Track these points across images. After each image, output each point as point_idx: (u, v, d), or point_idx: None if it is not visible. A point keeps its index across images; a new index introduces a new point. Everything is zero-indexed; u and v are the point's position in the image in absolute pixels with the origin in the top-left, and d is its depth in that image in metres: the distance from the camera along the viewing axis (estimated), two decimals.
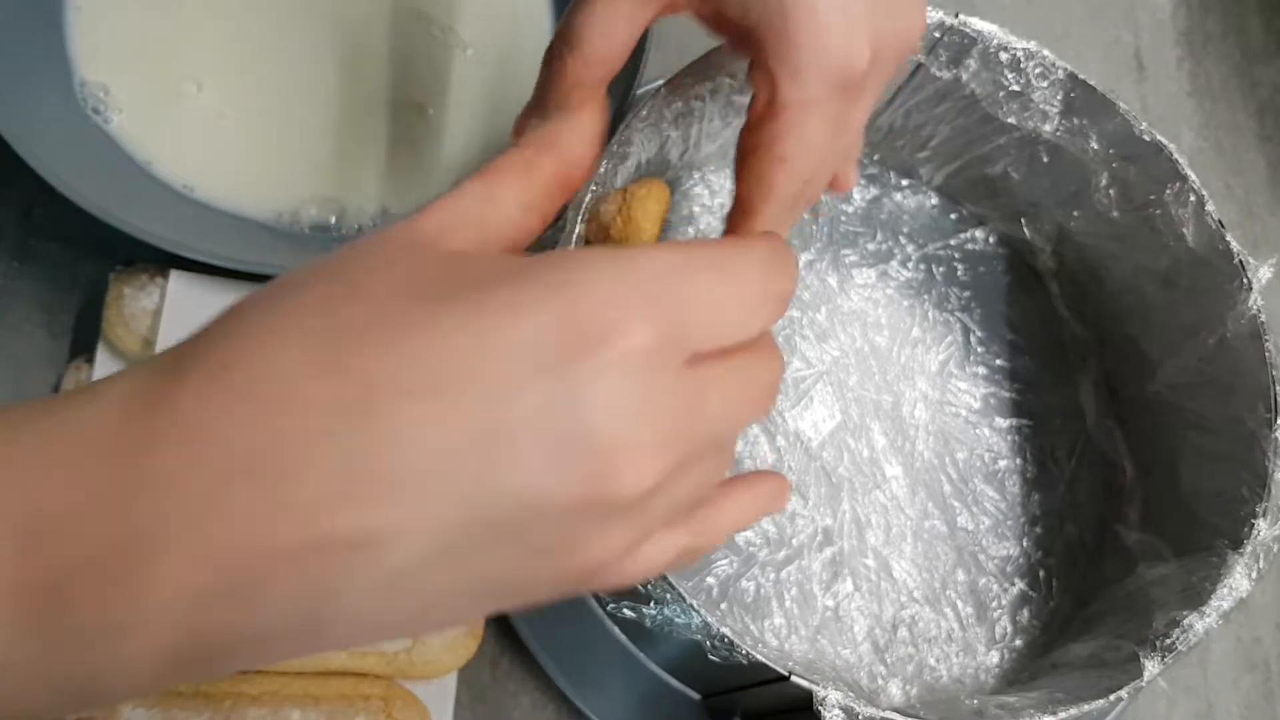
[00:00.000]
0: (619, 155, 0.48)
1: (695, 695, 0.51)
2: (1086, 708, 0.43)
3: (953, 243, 0.63)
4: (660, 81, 0.49)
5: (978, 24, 0.52)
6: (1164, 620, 0.46)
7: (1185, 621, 0.45)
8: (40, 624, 0.23)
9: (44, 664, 0.23)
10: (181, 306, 0.49)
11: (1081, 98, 0.53)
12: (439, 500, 0.24)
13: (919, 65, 0.55)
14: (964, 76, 0.54)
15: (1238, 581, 0.46)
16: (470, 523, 0.24)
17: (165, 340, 0.48)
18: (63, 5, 0.54)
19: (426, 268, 0.26)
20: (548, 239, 0.46)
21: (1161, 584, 0.50)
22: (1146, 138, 0.53)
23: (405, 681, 0.47)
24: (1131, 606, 0.51)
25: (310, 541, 0.23)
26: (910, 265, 0.62)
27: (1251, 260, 0.51)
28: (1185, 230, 0.52)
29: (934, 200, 0.64)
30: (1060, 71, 0.53)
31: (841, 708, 0.40)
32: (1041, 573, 0.57)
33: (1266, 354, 0.50)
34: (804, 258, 0.60)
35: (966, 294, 0.62)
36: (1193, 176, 0.52)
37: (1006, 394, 0.60)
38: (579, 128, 0.33)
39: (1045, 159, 0.57)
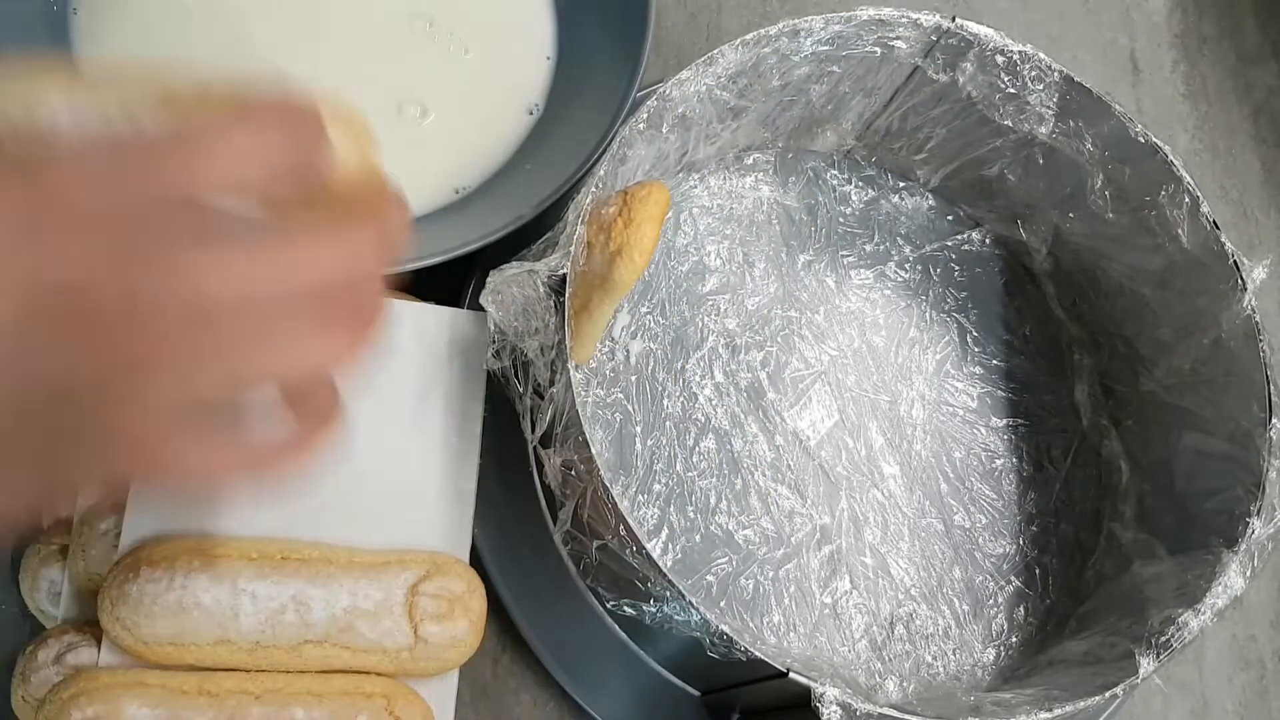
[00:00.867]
0: (619, 157, 0.48)
1: (694, 692, 0.51)
2: (1082, 704, 0.43)
3: (949, 244, 0.63)
4: (659, 85, 0.50)
5: (974, 27, 0.53)
6: (1159, 618, 0.46)
7: (1180, 619, 0.45)
8: None
9: None
10: None
11: (1077, 100, 0.54)
12: None
13: (916, 68, 0.55)
14: (960, 79, 0.55)
15: (1232, 580, 0.46)
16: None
17: None
18: (65, 9, 0.54)
19: None
20: (550, 237, 0.47)
21: (1157, 582, 0.51)
22: (1142, 139, 0.53)
23: (407, 679, 0.47)
24: (1127, 604, 0.51)
25: None
26: (907, 266, 0.62)
27: (1246, 261, 0.51)
28: (1180, 231, 0.53)
29: (931, 202, 0.64)
30: (1056, 74, 0.53)
31: (839, 704, 0.40)
32: (1037, 570, 0.57)
33: (1261, 354, 0.50)
34: (802, 259, 0.61)
35: (963, 295, 0.62)
36: (1187, 178, 0.52)
37: (1003, 393, 0.61)
38: None
39: (1041, 161, 0.58)
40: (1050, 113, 0.55)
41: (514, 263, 0.45)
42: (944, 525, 0.57)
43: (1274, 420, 0.49)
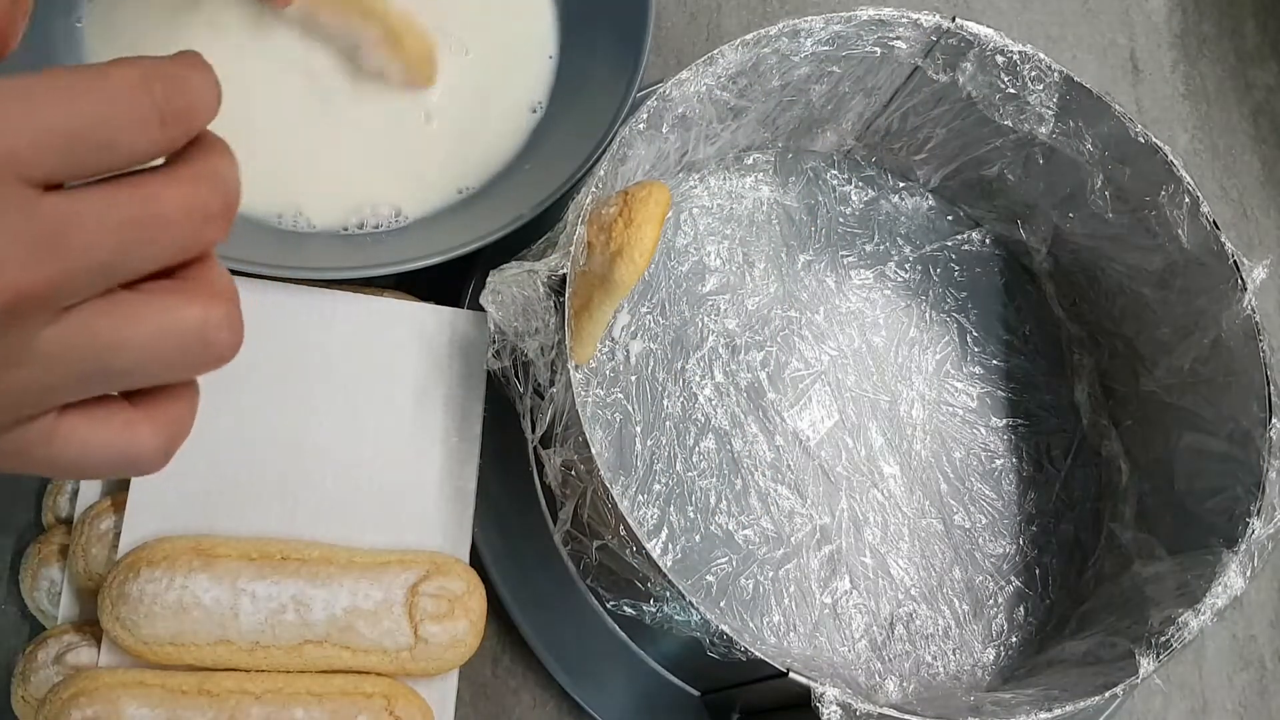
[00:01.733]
0: (619, 157, 0.48)
1: (694, 692, 0.51)
2: (1082, 704, 0.43)
3: (949, 244, 0.63)
4: (659, 85, 0.50)
5: (974, 27, 0.53)
6: (1159, 618, 0.46)
7: (1180, 619, 0.45)
8: None
9: None
10: None
11: (1077, 100, 0.54)
12: None
13: (916, 68, 0.55)
14: (960, 79, 0.55)
15: (1232, 579, 0.46)
16: None
17: None
18: (68, 18, 0.54)
19: None
20: (550, 237, 0.47)
21: (1156, 582, 0.51)
22: (1141, 139, 0.53)
23: (407, 679, 0.47)
24: (1127, 604, 0.51)
25: None
26: (907, 266, 0.62)
27: (1246, 261, 0.51)
28: (1180, 231, 0.53)
29: (930, 202, 0.64)
30: (1056, 74, 0.53)
31: (839, 704, 0.40)
32: (1037, 570, 0.57)
33: (1261, 354, 0.50)
34: (802, 259, 0.61)
35: (963, 295, 0.62)
36: (1187, 178, 0.52)
37: (1002, 393, 0.61)
38: None
39: (1041, 161, 0.58)
40: (1050, 113, 0.55)
41: (514, 263, 0.45)
42: (944, 525, 0.57)
43: (1274, 420, 0.49)
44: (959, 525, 0.57)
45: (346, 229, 0.55)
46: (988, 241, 0.64)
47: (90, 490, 0.49)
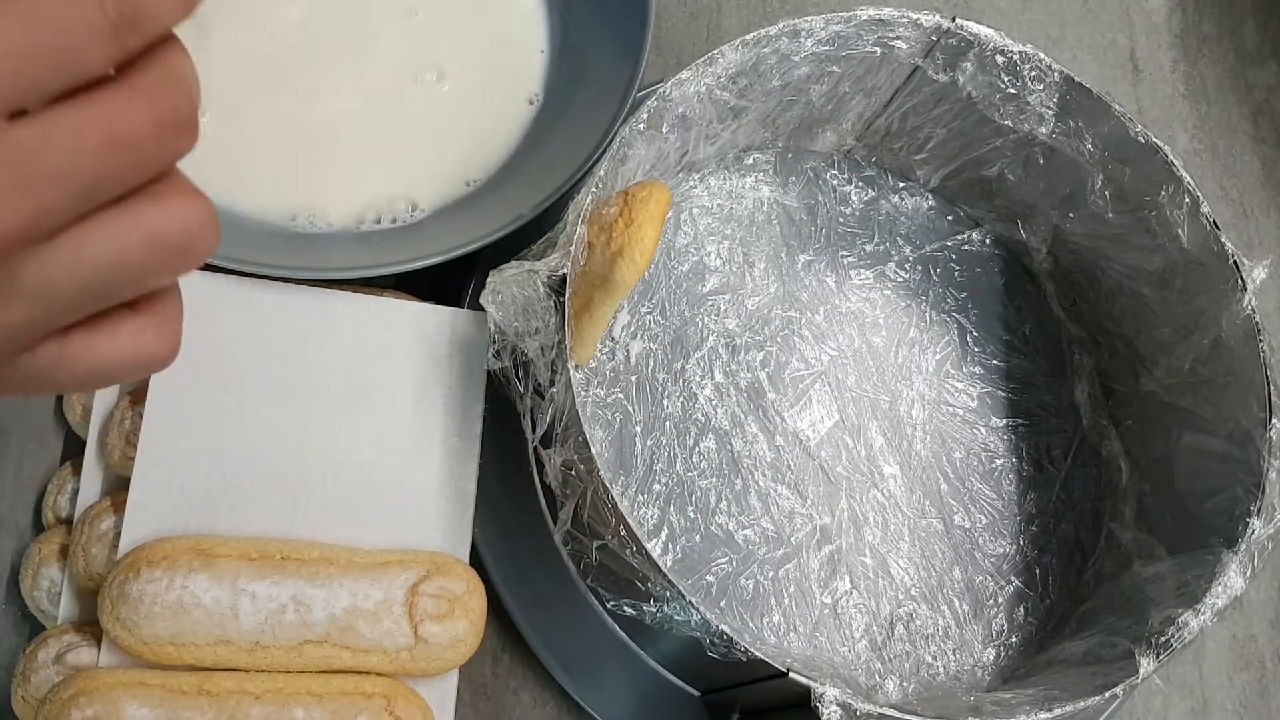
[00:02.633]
0: (619, 157, 0.48)
1: (694, 692, 0.51)
2: (1082, 704, 0.43)
3: (949, 244, 0.63)
4: (659, 85, 0.50)
5: (974, 27, 0.53)
6: (1159, 618, 0.46)
7: (1180, 619, 0.45)
8: None
9: None
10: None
11: (1077, 100, 0.54)
12: None
13: (916, 68, 0.55)
14: (960, 79, 0.55)
15: (1232, 580, 0.46)
16: None
17: None
18: None
19: None
20: (550, 237, 0.47)
21: (1157, 582, 0.51)
22: (1141, 139, 0.53)
23: (407, 679, 0.47)
24: (1127, 604, 0.51)
25: None
26: (907, 266, 0.62)
27: (1246, 261, 0.51)
28: (1180, 231, 0.53)
29: (931, 202, 0.64)
30: (1056, 74, 0.53)
31: (839, 704, 0.40)
32: (1037, 570, 0.57)
33: (1261, 354, 0.50)
34: (802, 259, 0.61)
35: (963, 295, 0.62)
36: (1187, 178, 0.52)
37: (1003, 393, 0.61)
38: None
39: (1041, 161, 0.58)
40: (1050, 113, 0.55)
41: (514, 263, 0.45)
42: (944, 525, 0.57)
43: (1274, 420, 0.49)
44: (959, 525, 0.57)
45: (363, 225, 0.55)
46: (988, 241, 0.64)
47: (90, 490, 0.49)
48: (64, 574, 0.48)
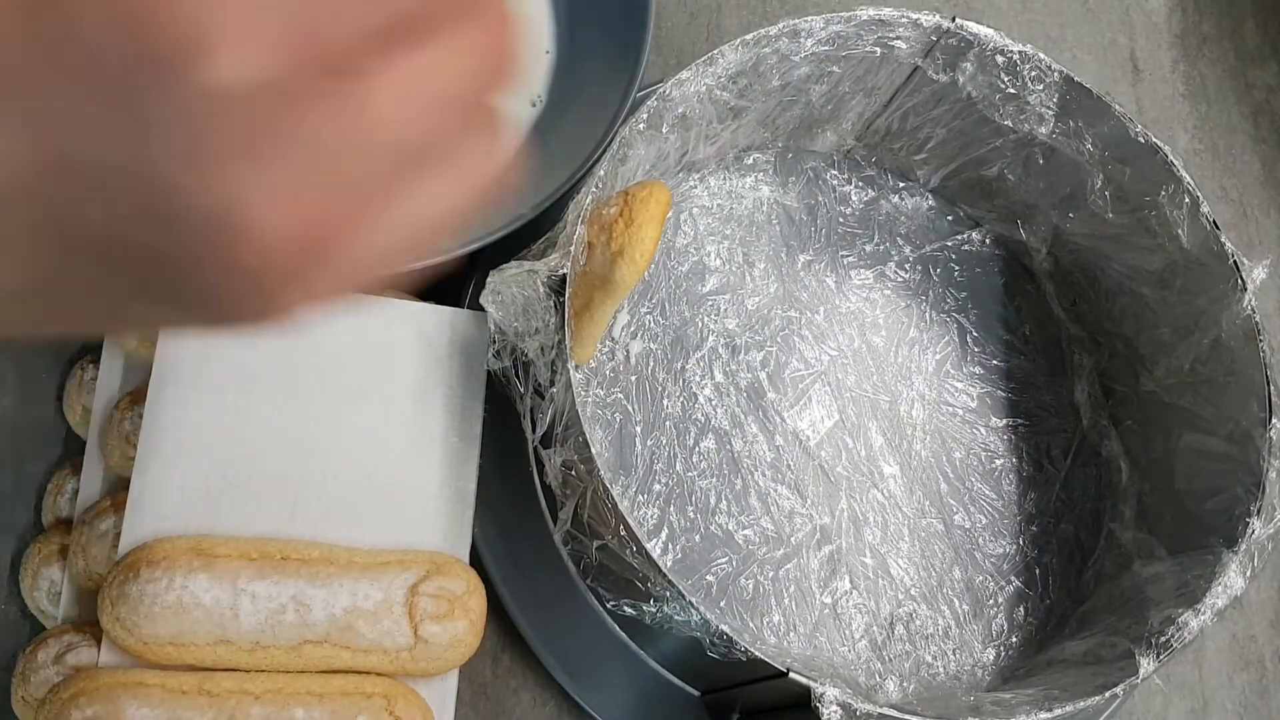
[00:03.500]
0: (619, 157, 0.48)
1: (694, 692, 0.51)
2: (1082, 704, 0.43)
3: (949, 244, 0.63)
4: (659, 85, 0.50)
5: (974, 28, 0.53)
6: (1159, 618, 0.46)
7: (1180, 619, 0.45)
8: None
9: None
10: None
11: (1077, 100, 0.54)
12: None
13: (916, 68, 0.55)
14: (960, 79, 0.55)
15: (1232, 579, 0.46)
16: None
17: (165, 338, 0.48)
18: None
19: None
20: (550, 237, 0.47)
21: (1156, 582, 0.51)
22: (1141, 140, 0.53)
23: (407, 679, 0.47)
24: (1127, 604, 0.51)
25: None
26: (907, 266, 0.62)
27: (1246, 261, 0.51)
28: (1180, 231, 0.53)
29: (930, 202, 0.64)
30: (1056, 74, 0.53)
31: (839, 704, 0.40)
32: (1037, 570, 0.57)
33: (1261, 354, 0.50)
34: (802, 259, 0.61)
35: (963, 295, 0.62)
36: (1187, 178, 0.52)
37: (1002, 393, 0.61)
38: None
39: (1041, 161, 0.58)
40: (1050, 113, 0.55)
41: (514, 263, 0.45)
42: (944, 525, 0.57)
43: (1274, 420, 0.49)
44: (959, 525, 0.57)
45: None
46: (988, 241, 0.64)
47: (90, 490, 0.49)
48: (64, 574, 0.48)
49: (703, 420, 0.56)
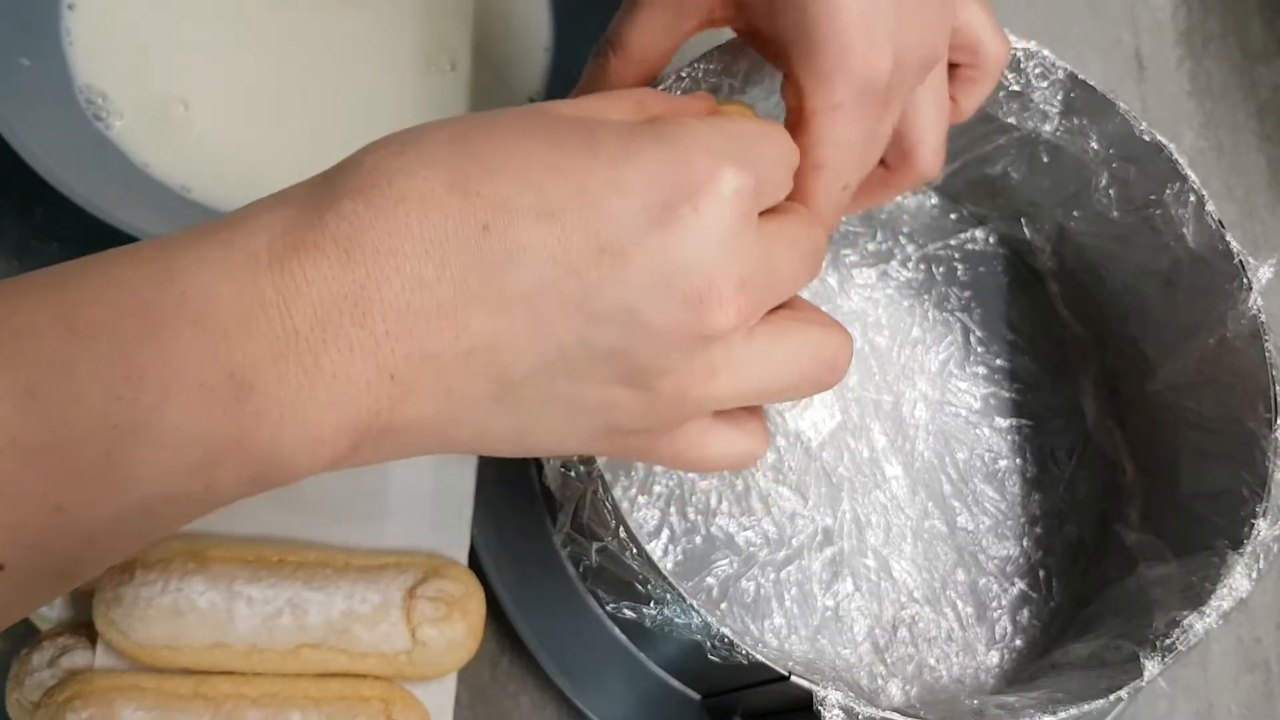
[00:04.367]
0: None
1: (695, 695, 0.51)
2: (1086, 707, 0.43)
3: (953, 243, 0.63)
4: (658, 84, 0.49)
5: None
6: (1164, 620, 0.46)
7: (1185, 621, 0.45)
8: (231, 408, 0.26)
9: (236, 447, 0.26)
10: None
11: (1081, 98, 0.54)
12: (549, 314, 0.27)
13: None
14: None
15: (1238, 581, 0.46)
16: (575, 338, 0.28)
17: None
18: (58, 6, 0.54)
19: (547, 122, 0.29)
20: None
21: (1162, 584, 0.50)
22: (1146, 138, 0.53)
23: (405, 683, 0.47)
24: (1132, 606, 0.51)
25: (439, 346, 0.27)
26: (910, 265, 0.62)
27: (1252, 260, 0.51)
28: (1185, 230, 0.52)
29: (934, 200, 0.64)
30: (1060, 71, 0.53)
31: (841, 708, 0.39)
32: (1042, 573, 0.57)
33: (1266, 354, 0.50)
34: None
35: (966, 294, 0.62)
36: (1193, 176, 0.52)
37: (1006, 394, 0.60)
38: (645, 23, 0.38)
39: (1045, 159, 0.57)
40: (1054, 110, 0.54)
41: None
42: (947, 527, 0.57)
43: (1279, 420, 0.48)
44: (962, 527, 0.57)
45: None
46: (992, 240, 0.64)
47: None
48: None
49: None
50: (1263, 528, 0.47)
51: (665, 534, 0.53)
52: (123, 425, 0.25)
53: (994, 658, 0.54)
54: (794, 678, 0.40)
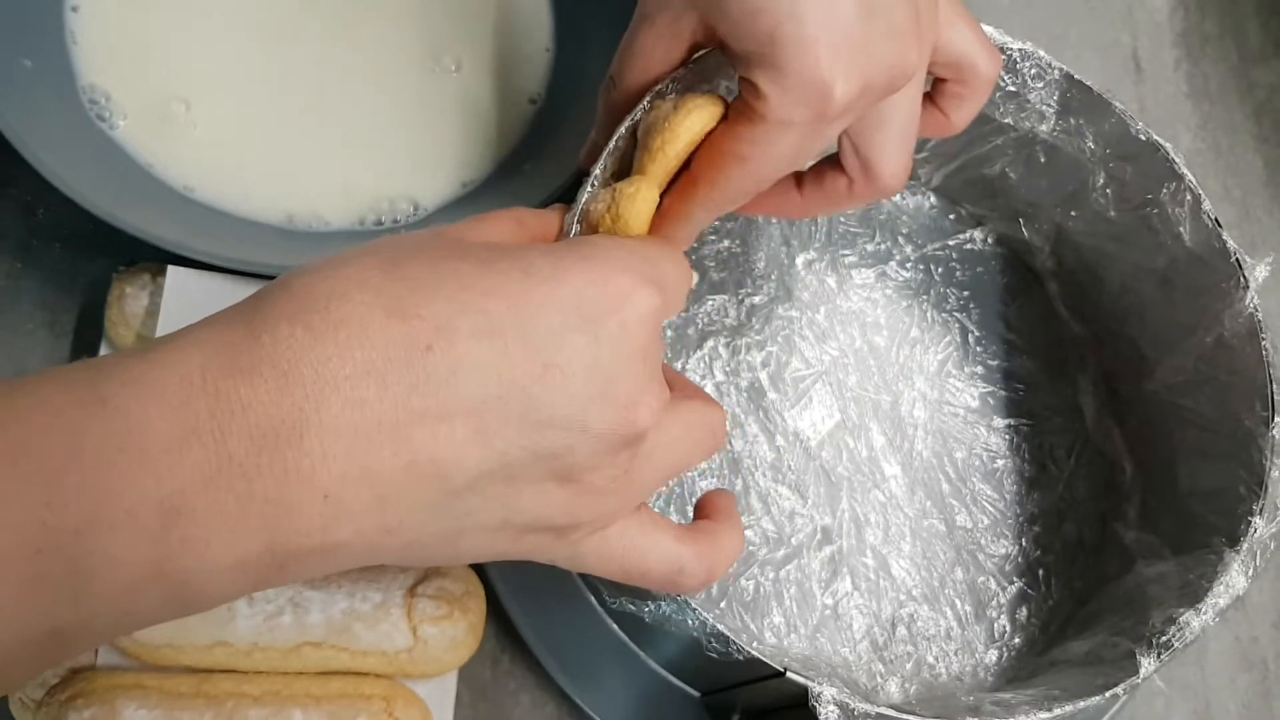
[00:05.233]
0: (616, 156, 0.48)
1: (694, 692, 0.51)
2: (1083, 705, 0.43)
3: (951, 243, 0.63)
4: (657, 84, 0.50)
5: None
6: (1161, 618, 0.46)
7: (1182, 619, 0.45)
8: (157, 536, 0.26)
9: (158, 573, 0.26)
10: (180, 300, 0.49)
11: (1078, 98, 0.54)
12: (494, 425, 0.29)
13: None
14: None
15: (1235, 580, 0.46)
16: (518, 446, 0.29)
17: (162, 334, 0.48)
18: (61, 7, 0.54)
19: (472, 247, 0.31)
20: None
21: (1159, 582, 0.50)
22: (1143, 137, 0.53)
23: (406, 680, 0.47)
24: (1129, 604, 0.51)
25: (378, 462, 0.27)
26: (909, 266, 0.62)
27: (1248, 259, 0.51)
28: (1182, 229, 0.53)
29: (932, 201, 0.64)
30: (1056, 72, 0.53)
31: (836, 703, 0.40)
32: (1040, 571, 0.57)
33: (1263, 352, 0.50)
34: (803, 258, 0.60)
35: (965, 294, 0.62)
36: (1189, 176, 0.52)
37: (1005, 393, 0.60)
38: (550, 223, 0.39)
39: (1043, 159, 0.58)
40: (1051, 111, 0.54)
41: None
42: (946, 526, 0.57)
43: (1276, 419, 0.49)
44: (961, 526, 0.57)
45: (364, 225, 0.55)
46: (990, 240, 0.64)
47: None
48: None
49: None
50: (1260, 526, 0.47)
51: None
52: (45, 550, 0.25)
53: (992, 656, 0.55)
54: (789, 674, 0.40)
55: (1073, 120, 0.54)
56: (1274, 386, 0.49)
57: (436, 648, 0.47)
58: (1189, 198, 0.52)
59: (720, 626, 0.41)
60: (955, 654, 0.54)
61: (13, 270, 0.55)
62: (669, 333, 0.57)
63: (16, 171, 0.46)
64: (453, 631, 0.47)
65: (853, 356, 0.59)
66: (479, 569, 0.51)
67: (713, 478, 0.55)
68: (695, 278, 0.37)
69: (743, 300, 0.59)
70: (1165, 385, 0.56)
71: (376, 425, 0.27)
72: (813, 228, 0.61)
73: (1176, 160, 0.52)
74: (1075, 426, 0.60)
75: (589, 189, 0.44)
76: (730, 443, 0.56)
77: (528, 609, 0.52)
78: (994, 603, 0.56)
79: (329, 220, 0.54)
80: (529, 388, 0.29)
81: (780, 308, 0.59)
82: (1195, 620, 0.45)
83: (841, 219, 0.62)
